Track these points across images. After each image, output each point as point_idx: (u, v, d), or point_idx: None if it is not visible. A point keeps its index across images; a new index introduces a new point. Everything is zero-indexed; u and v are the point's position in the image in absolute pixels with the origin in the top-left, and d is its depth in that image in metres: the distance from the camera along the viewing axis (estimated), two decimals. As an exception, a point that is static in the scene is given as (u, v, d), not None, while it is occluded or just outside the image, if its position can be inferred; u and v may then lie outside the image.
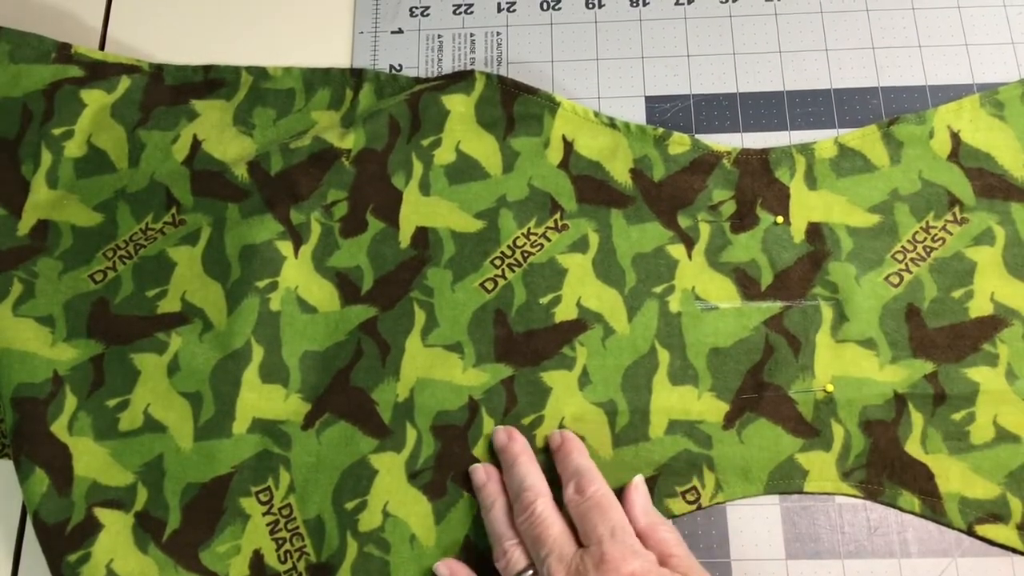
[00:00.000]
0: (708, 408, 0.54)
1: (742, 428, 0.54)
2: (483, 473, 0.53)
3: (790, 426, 0.54)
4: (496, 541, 0.51)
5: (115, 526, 0.53)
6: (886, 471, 0.53)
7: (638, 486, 0.51)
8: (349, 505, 0.53)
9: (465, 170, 0.61)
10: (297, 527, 0.53)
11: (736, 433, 0.54)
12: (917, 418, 0.53)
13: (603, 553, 0.46)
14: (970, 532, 0.51)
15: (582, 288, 0.57)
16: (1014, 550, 0.51)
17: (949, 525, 0.52)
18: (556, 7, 0.67)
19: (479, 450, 0.54)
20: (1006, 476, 0.52)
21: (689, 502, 0.53)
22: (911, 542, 0.51)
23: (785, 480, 0.53)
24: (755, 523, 0.53)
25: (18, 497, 0.56)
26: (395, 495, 0.54)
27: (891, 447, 0.53)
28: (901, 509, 0.52)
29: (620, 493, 0.51)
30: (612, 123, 0.61)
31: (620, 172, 0.60)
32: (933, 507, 0.52)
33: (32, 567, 0.55)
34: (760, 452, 0.53)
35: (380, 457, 0.54)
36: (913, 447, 0.53)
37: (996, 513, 0.52)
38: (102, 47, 0.67)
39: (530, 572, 0.49)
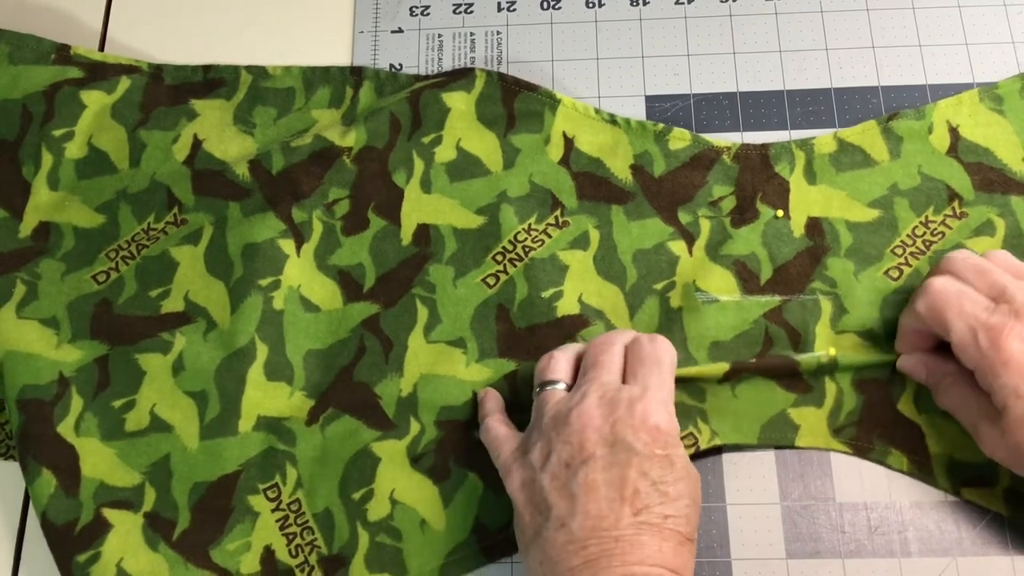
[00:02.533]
0: (707, 369, 0.54)
1: (737, 384, 0.54)
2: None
3: (784, 382, 0.54)
4: (554, 350, 0.52)
5: (124, 526, 0.53)
6: (877, 430, 0.53)
7: None
8: (356, 495, 0.53)
9: (466, 167, 0.60)
10: (307, 521, 0.53)
11: (730, 388, 0.54)
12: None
13: (642, 396, 0.47)
14: (956, 494, 0.51)
15: (583, 285, 0.57)
16: (998, 514, 0.51)
17: (935, 485, 0.52)
18: (556, 6, 0.66)
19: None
20: None
21: (687, 446, 0.52)
22: (911, 541, 0.51)
23: (777, 434, 0.53)
24: (755, 523, 0.52)
25: (18, 498, 0.56)
26: (400, 481, 0.53)
27: (883, 405, 0.53)
28: (890, 467, 0.52)
29: None
30: (613, 119, 0.61)
31: (620, 168, 0.59)
32: (921, 467, 0.52)
33: (32, 568, 0.55)
34: (752, 407, 0.53)
35: (382, 445, 0.54)
36: (906, 406, 0.53)
37: (984, 476, 0.51)
38: (102, 48, 0.67)
39: (560, 385, 0.50)
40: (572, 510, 0.45)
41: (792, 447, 0.53)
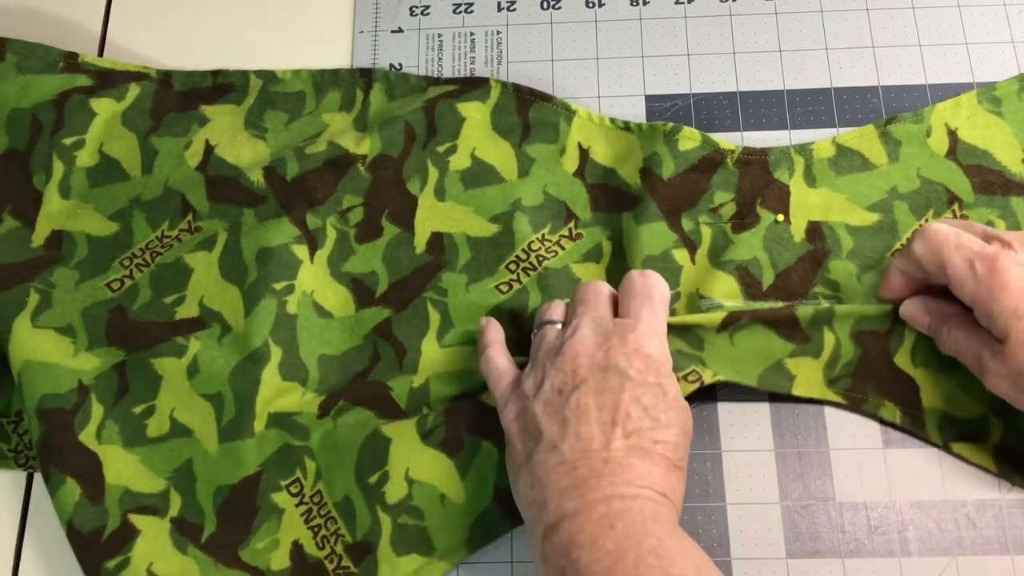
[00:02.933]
0: (703, 317, 0.54)
1: (735, 332, 0.54)
2: None
3: (784, 331, 0.54)
4: (550, 300, 0.53)
5: (151, 531, 0.53)
6: (872, 381, 0.53)
7: None
8: (372, 479, 0.52)
9: (480, 175, 0.60)
10: (329, 511, 0.53)
11: (728, 336, 0.54)
12: (909, 330, 0.53)
13: (635, 327, 0.48)
14: (945, 448, 0.52)
15: None
16: (986, 469, 0.52)
17: (927, 440, 0.52)
18: (556, 6, 0.65)
19: (491, 397, 0.53)
20: (992, 396, 0.51)
21: (691, 381, 0.52)
22: (911, 541, 0.51)
23: (773, 381, 0.53)
24: (755, 522, 0.53)
25: (18, 503, 0.56)
26: (414, 459, 0.52)
27: (880, 358, 0.53)
28: (882, 420, 0.53)
29: None
30: (627, 126, 0.60)
31: (631, 174, 0.59)
32: (913, 421, 0.52)
33: (32, 570, 0.55)
34: (749, 355, 0.54)
35: (391, 427, 0.54)
36: (902, 359, 0.53)
37: (975, 432, 0.52)
38: (102, 52, 0.67)
39: (557, 325, 0.51)
40: (563, 433, 0.45)
41: (789, 396, 0.53)
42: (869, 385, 0.53)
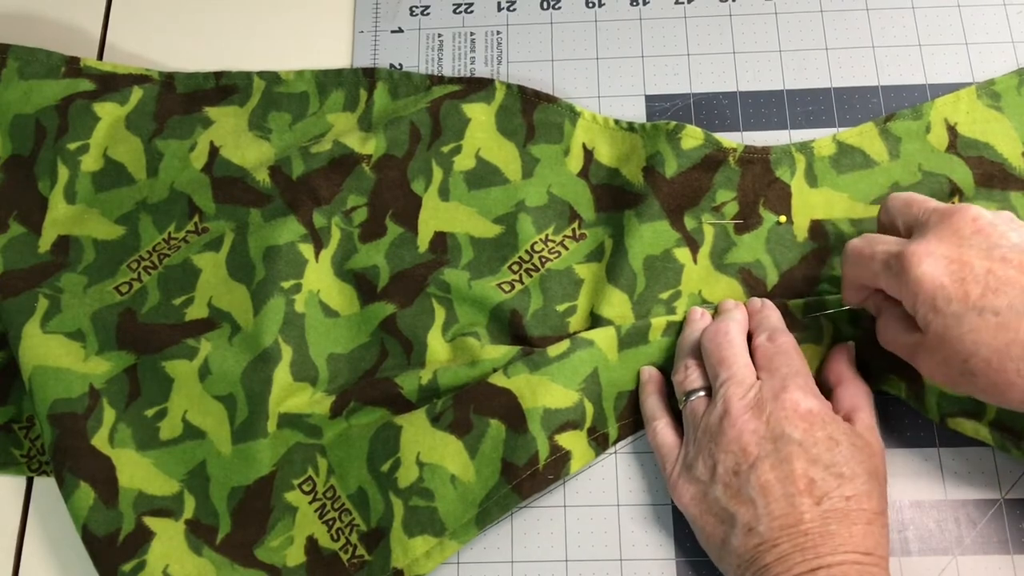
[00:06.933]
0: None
1: None
2: (699, 311, 0.53)
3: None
4: (682, 357, 0.51)
5: (167, 533, 0.51)
6: (876, 359, 0.51)
7: (843, 348, 0.51)
8: (384, 467, 0.51)
9: (485, 176, 0.58)
10: (343, 504, 0.52)
11: None
12: None
13: (784, 387, 0.46)
14: (942, 424, 0.50)
15: (596, 297, 0.55)
16: (982, 443, 0.50)
17: (926, 416, 0.51)
18: (556, 6, 0.63)
19: (498, 378, 0.52)
20: None
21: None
22: (911, 540, 0.50)
23: None
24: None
25: (18, 507, 0.55)
26: (424, 443, 0.51)
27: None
28: (887, 393, 0.51)
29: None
30: (631, 127, 0.58)
31: (634, 173, 0.57)
32: (916, 395, 0.51)
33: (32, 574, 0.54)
34: None
35: (402, 416, 0.52)
36: None
37: (970, 411, 0.50)
38: (101, 54, 0.64)
39: (701, 392, 0.49)
40: (756, 514, 0.44)
41: None
42: (873, 360, 0.51)
